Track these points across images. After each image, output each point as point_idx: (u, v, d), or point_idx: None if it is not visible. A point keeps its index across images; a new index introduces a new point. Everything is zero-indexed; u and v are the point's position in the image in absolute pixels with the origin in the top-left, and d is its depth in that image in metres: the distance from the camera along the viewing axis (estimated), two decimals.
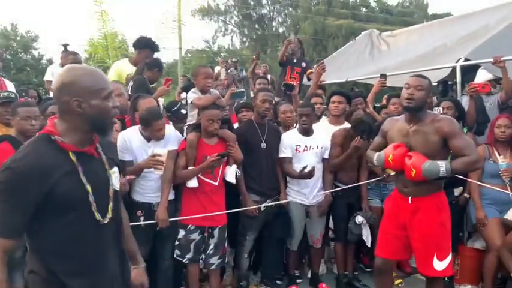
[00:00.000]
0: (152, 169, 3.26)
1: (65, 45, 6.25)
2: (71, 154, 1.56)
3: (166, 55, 28.58)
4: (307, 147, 3.90)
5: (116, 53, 12.24)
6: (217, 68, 8.26)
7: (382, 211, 3.97)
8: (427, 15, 26.23)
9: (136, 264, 1.91)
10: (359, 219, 3.91)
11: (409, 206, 3.01)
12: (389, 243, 3.14)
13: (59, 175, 1.51)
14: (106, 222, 1.62)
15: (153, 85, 4.72)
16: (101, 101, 1.58)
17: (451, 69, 4.99)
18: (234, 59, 9.83)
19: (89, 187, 1.57)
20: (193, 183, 3.43)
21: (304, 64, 6.06)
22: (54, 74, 6.14)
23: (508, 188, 3.64)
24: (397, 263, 4.29)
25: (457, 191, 4.02)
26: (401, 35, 7.07)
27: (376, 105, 5.23)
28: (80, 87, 1.54)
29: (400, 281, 4.21)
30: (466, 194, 3.96)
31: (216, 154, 3.38)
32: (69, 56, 4.83)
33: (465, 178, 3.78)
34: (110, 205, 1.65)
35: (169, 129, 3.48)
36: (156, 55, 5.06)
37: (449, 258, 2.98)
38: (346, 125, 4.18)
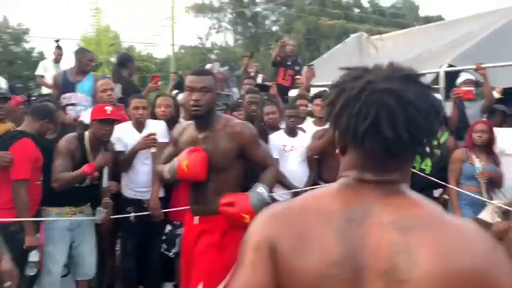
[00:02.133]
0: (145, 155, 3.42)
1: (57, 41, 6.39)
2: None
3: (159, 51, 28.56)
4: (293, 147, 4.02)
5: (109, 49, 12.27)
6: (208, 65, 8.28)
7: None
8: (418, 17, 26.50)
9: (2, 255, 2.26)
10: None
11: (195, 228, 2.48)
12: (183, 273, 2.59)
13: None
14: None
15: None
16: None
17: (435, 74, 5.15)
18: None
19: None
20: None
21: (297, 68, 6.18)
22: (47, 69, 6.21)
23: (483, 189, 3.80)
24: None
25: (436, 193, 4.18)
26: (389, 39, 7.24)
27: None
28: None
29: None
30: (445, 196, 4.12)
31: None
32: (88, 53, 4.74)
33: (441, 182, 3.91)
34: None
35: (160, 124, 3.66)
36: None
37: None
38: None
